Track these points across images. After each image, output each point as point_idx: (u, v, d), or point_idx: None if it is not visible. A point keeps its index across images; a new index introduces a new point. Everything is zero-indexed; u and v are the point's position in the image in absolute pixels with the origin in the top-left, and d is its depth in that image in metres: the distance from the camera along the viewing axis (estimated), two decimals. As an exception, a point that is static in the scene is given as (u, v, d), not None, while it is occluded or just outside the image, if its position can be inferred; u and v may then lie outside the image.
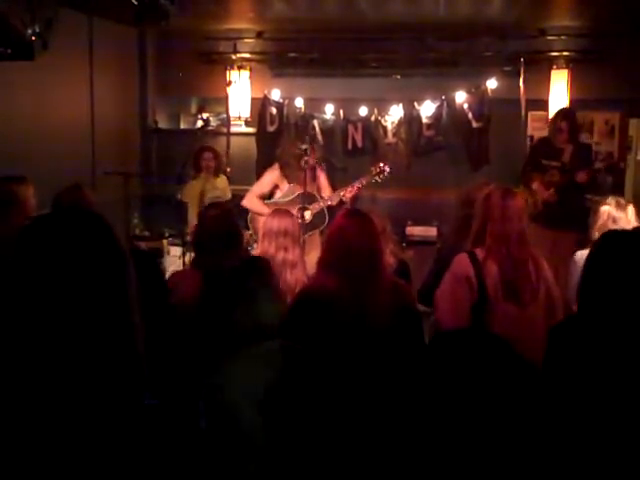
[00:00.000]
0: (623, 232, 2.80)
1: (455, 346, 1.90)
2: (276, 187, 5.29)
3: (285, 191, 5.22)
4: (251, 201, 5.24)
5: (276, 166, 5.31)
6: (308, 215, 5.12)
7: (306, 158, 5.00)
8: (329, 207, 5.18)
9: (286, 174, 5.21)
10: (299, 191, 5.12)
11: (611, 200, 3.92)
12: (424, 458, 1.90)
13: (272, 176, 5.29)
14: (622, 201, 3.95)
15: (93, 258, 1.28)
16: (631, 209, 3.88)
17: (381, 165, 5.32)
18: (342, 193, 5.16)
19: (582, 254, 3.77)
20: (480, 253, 3.04)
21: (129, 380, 1.28)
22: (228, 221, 3.36)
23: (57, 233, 1.29)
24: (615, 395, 2.00)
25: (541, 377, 2.17)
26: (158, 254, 5.83)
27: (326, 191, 5.27)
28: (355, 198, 5.28)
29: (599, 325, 2.10)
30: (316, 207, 5.14)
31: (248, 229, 5.38)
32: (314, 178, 5.27)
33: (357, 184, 5.18)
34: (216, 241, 3.23)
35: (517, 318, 2.97)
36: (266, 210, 5.09)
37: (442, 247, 4.32)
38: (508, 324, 2.90)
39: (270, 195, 5.34)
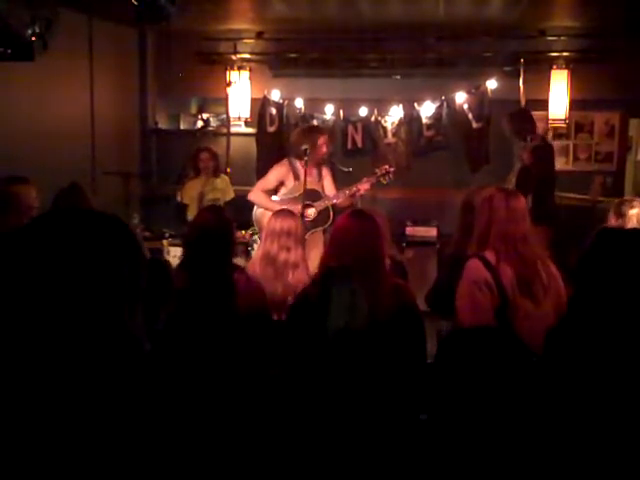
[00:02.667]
0: (618, 230, 2.80)
1: (470, 344, 1.90)
2: (282, 184, 5.30)
3: (290, 188, 5.23)
4: (257, 195, 5.27)
5: (284, 162, 5.33)
6: (312, 213, 5.13)
7: (321, 145, 5.06)
8: (333, 206, 5.20)
9: (298, 158, 5.20)
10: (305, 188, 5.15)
11: (636, 202, 3.94)
12: (432, 454, 1.90)
13: (279, 172, 5.31)
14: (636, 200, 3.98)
15: (108, 256, 1.30)
16: None
17: (386, 167, 5.35)
18: (347, 192, 5.17)
19: None
20: (490, 256, 3.03)
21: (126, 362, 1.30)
22: (220, 225, 3.33)
23: (64, 232, 1.30)
24: (610, 397, 1.99)
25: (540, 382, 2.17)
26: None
27: (331, 190, 5.28)
28: (358, 198, 5.29)
29: (594, 325, 2.09)
30: (321, 205, 5.14)
31: (247, 229, 5.38)
32: (320, 177, 5.28)
33: (363, 184, 5.20)
34: (205, 243, 3.22)
35: (534, 315, 2.97)
36: (271, 204, 5.11)
37: (447, 251, 4.29)
38: (528, 321, 2.91)
39: (275, 191, 5.35)
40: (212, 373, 2.69)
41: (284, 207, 4.89)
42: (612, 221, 3.96)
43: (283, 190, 5.28)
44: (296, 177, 5.23)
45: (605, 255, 2.17)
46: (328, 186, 5.31)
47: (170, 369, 2.49)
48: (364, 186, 5.19)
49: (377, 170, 5.34)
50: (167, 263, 3.08)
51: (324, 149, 5.22)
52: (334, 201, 5.17)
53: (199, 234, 3.24)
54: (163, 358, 2.44)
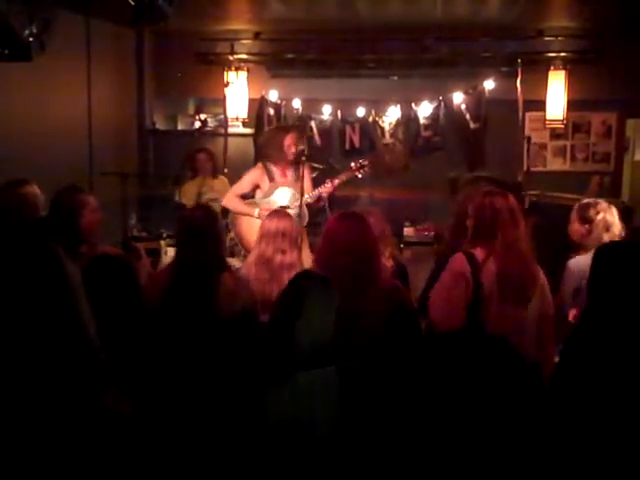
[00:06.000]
0: (621, 244, 2.79)
1: (453, 346, 1.90)
2: (257, 187, 5.25)
3: (266, 190, 5.20)
4: (230, 200, 5.20)
5: (258, 165, 5.29)
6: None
7: (289, 145, 5.04)
8: (310, 205, 5.18)
9: (270, 161, 5.18)
10: (281, 189, 5.12)
11: (602, 206, 3.83)
12: (422, 458, 1.90)
13: (253, 176, 5.26)
14: (605, 204, 3.88)
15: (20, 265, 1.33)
16: (615, 210, 3.85)
17: (360, 161, 5.34)
18: (321, 190, 5.14)
19: (576, 260, 3.74)
20: (479, 254, 3.04)
21: (81, 365, 1.31)
22: (208, 220, 3.31)
23: None
24: (623, 402, 1.99)
25: (552, 386, 2.16)
26: (153, 255, 5.83)
27: (308, 189, 5.21)
28: (325, 197, 5.26)
29: (610, 335, 2.09)
30: (296, 205, 5.08)
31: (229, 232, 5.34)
32: (298, 177, 5.22)
33: (337, 180, 5.18)
34: (193, 237, 3.17)
35: (513, 318, 2.99)
36: (246, 209, 5.10)
37: (439, 251, 4.29)
38: (502, 325, 2.92)
39: (252, 196, 5.31)
40: (193, 374, 2.68)
41: (271, 208, 4.90)
42: (576, 226, 3.86)
43: (259, 193, 5.24)
44: (271, 179, 5.19)
45: (610, 271, 2.17)
46: (306, 185, 5.22)
47: (152, 369, 2.49)
48: (331, 187, 5.16)
49: (352, 165, 5.34)
50: (129, 264, 3.02)
51: (293, 149, 5.13)
52: (308, 200, 5.12)
53: (184, 230, 3.23)
54: (146, 357, 2.44)
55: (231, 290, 3.08)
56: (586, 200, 3.99)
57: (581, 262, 3.69)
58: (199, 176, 6.37)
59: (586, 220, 3.81)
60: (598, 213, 3.79)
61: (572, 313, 3.53)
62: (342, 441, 2.36)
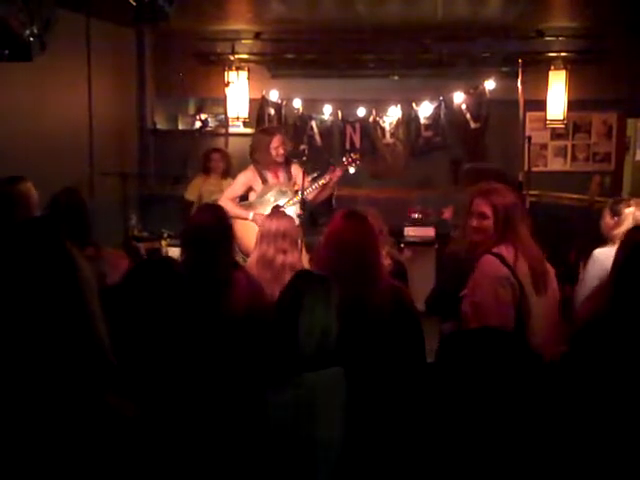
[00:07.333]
0: None
1: (469, 345, 1.89)
2: (250, 189, 5.25)
3: (259, 192, 5.19)
4: (225, 204, 5.02)
5: (250, 168, 5.29)
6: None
7: (283, 149, 5.04)
8: (311, 202, 5.19)
9: (260, 164, 5.19)
10: (274, 190, 5.12)
11: (632, 201, 3.94)
12: (432, 457, 1.89)
13: (245, 178, 5.26)
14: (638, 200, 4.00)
15: (36, 263, 1.33)
16: None
17: (351, 155, 5.37)
18: (315, 186, 5.15)
19: (600, 252, 3.77)
20: (507, 253, 3.00)
21: (90, 367, 1.31)
22: (218, 219, 3.27)
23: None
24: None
25: (562, 377, 2.15)
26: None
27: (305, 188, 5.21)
28: (334, 186, 5.27)
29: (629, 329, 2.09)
30: (289, 204, 5.08)
31: None
32: (290, 177, 5.22)
33: (330, 176, 5.18)
34: (203, 240, 3.10)
35: (545, 309, 3.01)
36: (240, 212, 5.09)
37: (448, 249, 4.25)
38: (538, 318, 2.94)
39: (246, 198, 5.31)
40: (204, 375, 2.67)
41: (265, 210, 4.90)
42: (607, 219, 3.97)
43: (253, 195, 5.23)
44: (264, 181, 5.19)
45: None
46: (299, 182, 5.19)
47: (165, 371, 2.49)
48: (325, 184, 5.16)
49: (344, 159, 5.36)
50: (173, 261, 3.00)
51: (281, 151, 5.13)
52: (308, 197, 5.12)
53: (196, 233, 3.20)
54: (159, 361, 2.44)
55: (245, 288, 3.07)
56: (623, 196, 4.10)
57: (607, 253, 3.71)
58: (211, 175, 6.45)
59: (616, 213, 3.93)
60: (628, 207, 3.90)
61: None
62: (348, 442, 2.36)
